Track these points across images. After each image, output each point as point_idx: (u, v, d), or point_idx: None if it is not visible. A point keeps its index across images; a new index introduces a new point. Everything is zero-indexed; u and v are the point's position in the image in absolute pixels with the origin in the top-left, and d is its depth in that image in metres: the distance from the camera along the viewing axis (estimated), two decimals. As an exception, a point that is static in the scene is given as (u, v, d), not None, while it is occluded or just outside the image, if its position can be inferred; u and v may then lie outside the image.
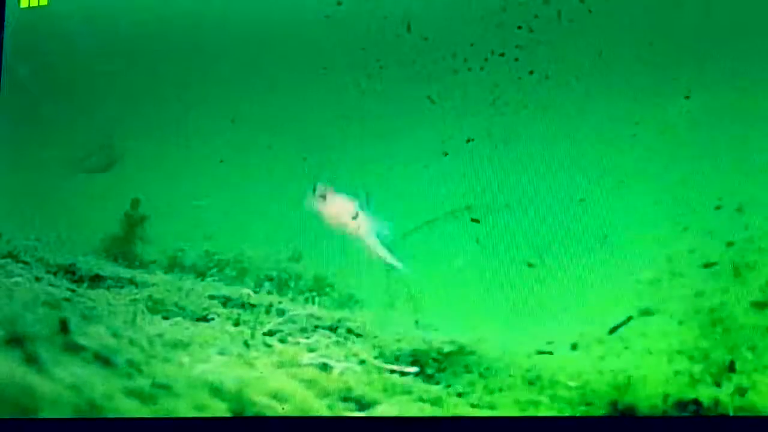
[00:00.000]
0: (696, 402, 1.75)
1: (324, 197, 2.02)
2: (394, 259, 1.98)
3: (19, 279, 2.05)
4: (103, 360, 1.77)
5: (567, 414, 1.80)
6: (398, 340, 1.95)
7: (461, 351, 1.91)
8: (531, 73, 2.01)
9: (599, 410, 1.79)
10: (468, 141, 2.01)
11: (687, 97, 1.92)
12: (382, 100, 2.08)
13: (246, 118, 2.17)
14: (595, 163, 1.94)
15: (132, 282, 2.11)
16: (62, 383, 1.64)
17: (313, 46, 2.14)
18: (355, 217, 1.99)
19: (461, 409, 1.83)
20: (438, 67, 2.06)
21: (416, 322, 1.98)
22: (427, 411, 1.83)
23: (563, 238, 1.94)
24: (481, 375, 1.88)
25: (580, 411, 1.80)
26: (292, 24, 2.15)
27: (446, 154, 2.02)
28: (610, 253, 1.90)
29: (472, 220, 1.92)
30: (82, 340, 1.77)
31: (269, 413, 1.77)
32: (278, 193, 2.14)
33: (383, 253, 1.98)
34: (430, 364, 1.91)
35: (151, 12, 2.24)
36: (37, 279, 2.06)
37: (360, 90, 2.10)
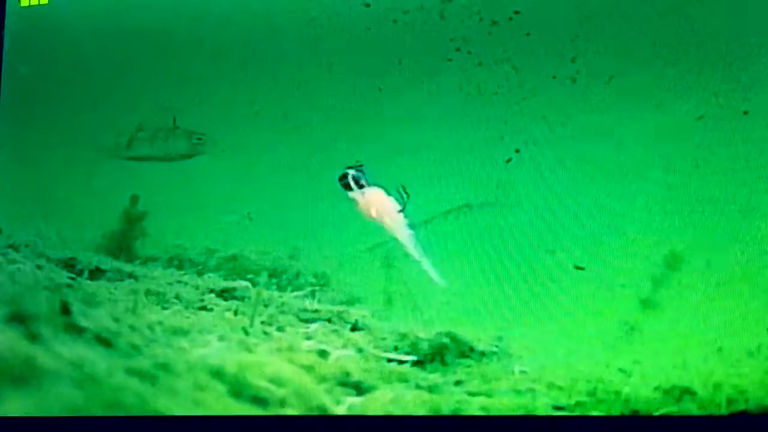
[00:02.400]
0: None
1: (360, 186, 2.04)
2: (435, 274, 1.99)
3: (20, 266, 2.06)
4: (104, 342, 1.78)
5: (563, 403, 1.82)
6: (396, 333, 1.97)
7: (459, 343, 1.93)
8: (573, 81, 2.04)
9: (596, 401, 1.80)
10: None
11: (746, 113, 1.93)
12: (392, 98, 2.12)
13: (246, 115, 2.20)
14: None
15: (132, 276, 2.13)
16: (63, 359, 1.65)
17: (314, 43, 2.18)
18: (401, 211, 2.01)
19: (458, 396, 1.84)
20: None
21: (414, 317, 2.00)
22: (425, 398, 1.84)
23: (568, 237, 1.97)
24: (478, 365, 1.90)
25: (576, 400, 1.81)
26: (293, 21, 2.19)
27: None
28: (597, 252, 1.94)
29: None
30: (83, 322, 1.78)
31: (267, 396, 1.78)
32: (278, 190, 2.16)
33: (427, 266, 1.99)
34: (428, 354, 1.92)
35: (152, 10, 2.27)
36: (39, 267, 2.08)
37: (364, 87, 2.14)
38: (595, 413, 1.79)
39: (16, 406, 1.57)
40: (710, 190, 1.90)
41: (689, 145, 1.93)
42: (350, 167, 2.06)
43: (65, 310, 1.79)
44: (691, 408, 1.75)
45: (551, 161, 2.01)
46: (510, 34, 2.06)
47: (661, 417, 1.75)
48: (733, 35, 1.93)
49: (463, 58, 2.08)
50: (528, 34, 2.05)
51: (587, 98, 2.00)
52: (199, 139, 2.15)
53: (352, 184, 2.04)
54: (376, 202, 2.02)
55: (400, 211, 2.02)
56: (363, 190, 2.03)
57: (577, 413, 1.79)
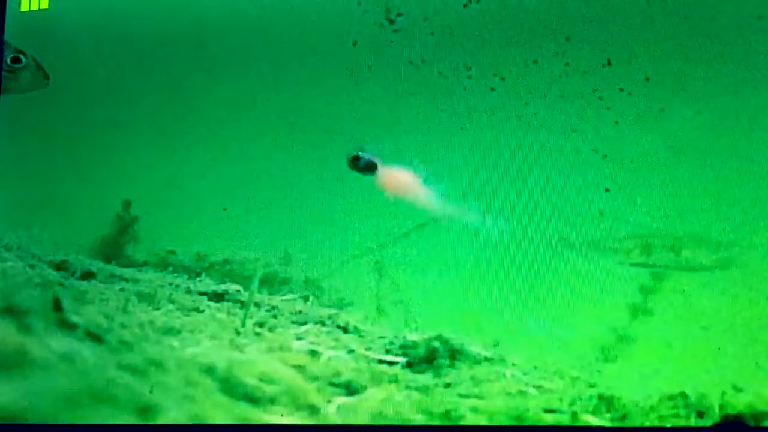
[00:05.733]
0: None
1: (376, 166, 2.03)
2: (474, 216, 1.97)
3: (11, 264, 2.06)
4: (96, 338, 1.78)
5: (555, 406, 1.82)
6: (387, 336, 1.98)
7: (450, 347, 1.93)
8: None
9: (588, 406, 1.80)
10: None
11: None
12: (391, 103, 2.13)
13: (241, 120, 2.22)
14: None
15: (123, 278, 2.13)
16: (55, 352, 1.65)
17: (305, 41, 2.20)
18: (424, 182, 1.99)
19: (449, 398, 1.85)
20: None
21: (405, 322, 2.00)
22: (415, 398, 1.84)
23: (563, 243, 1.98)
24: (469, 368, 1.90)
25: (568, 405, 1.81)
26: (287, 19, 2.21)
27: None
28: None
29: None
30: (74, 318, 1.78)
31: (258, 394, 1.78)
32: (269, 196, 2.17)
33: (469, 216, 1.97)
34: (419, 357, 1.93)
35: (152, 15, 2.28)
36: (31, 266, 2.08)
37: (358, 88, 2.16)
38: (586, 416, 1.79)
39: (7, 394, 1.56)
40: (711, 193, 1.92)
41: (693, 147, 1.95)
42: (357, 152, 2.06)
43: (57, 306, 1.79)
44: (685, 415, 1.75)
45: (547, 169, 2.02)
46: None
47: (656, 428, 1.75)
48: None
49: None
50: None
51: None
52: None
53: (374, 163, 2.03)
54: (404, 178, 2.01)
55: (425, 181, 2.01)
56: (386, 168, 2.02)
57: (568, 417, 1.79)
